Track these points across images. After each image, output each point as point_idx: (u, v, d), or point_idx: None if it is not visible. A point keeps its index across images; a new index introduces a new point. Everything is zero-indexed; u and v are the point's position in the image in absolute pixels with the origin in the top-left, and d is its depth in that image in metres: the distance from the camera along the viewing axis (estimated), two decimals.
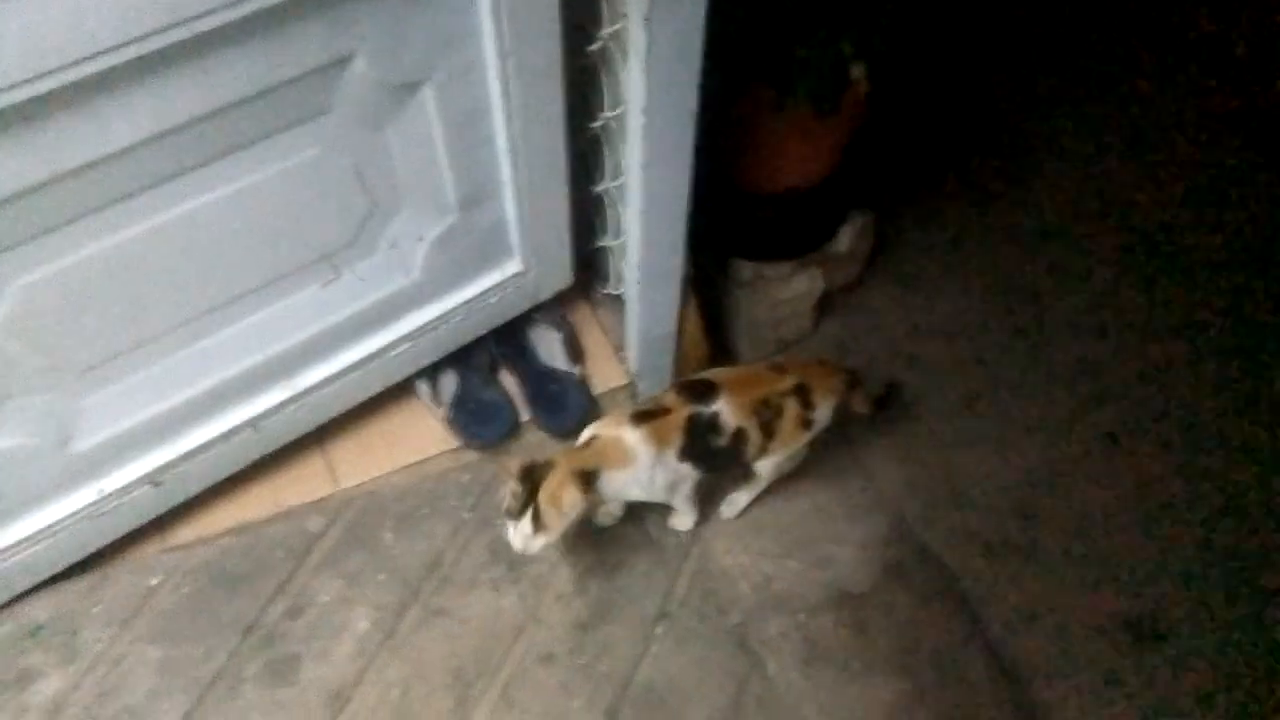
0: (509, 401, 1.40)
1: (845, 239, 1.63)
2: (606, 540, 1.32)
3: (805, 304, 1.65)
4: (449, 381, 1.39)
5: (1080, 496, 1.54)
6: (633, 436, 1.13)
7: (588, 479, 1.10)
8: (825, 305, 1.71)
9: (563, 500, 1.07)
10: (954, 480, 1.56)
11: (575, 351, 1.43)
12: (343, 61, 0.93)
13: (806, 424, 1.23)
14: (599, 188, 1.31)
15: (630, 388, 1.44)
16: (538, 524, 1.08)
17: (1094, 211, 1.93)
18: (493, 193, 1.19)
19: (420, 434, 1.38)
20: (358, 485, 1.33)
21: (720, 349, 1.58)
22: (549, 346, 1.42)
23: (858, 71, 1.30)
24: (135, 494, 1.14)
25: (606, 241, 1.37)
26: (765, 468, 1.29)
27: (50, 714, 1.12)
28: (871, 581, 1.39)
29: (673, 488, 1.23)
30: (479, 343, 1.38)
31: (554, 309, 1.45)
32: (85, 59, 0.74)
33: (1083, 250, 1.86)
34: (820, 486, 1.47)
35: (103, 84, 0.78)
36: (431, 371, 1.38)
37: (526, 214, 1.22)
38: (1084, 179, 1.98)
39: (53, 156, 0.81)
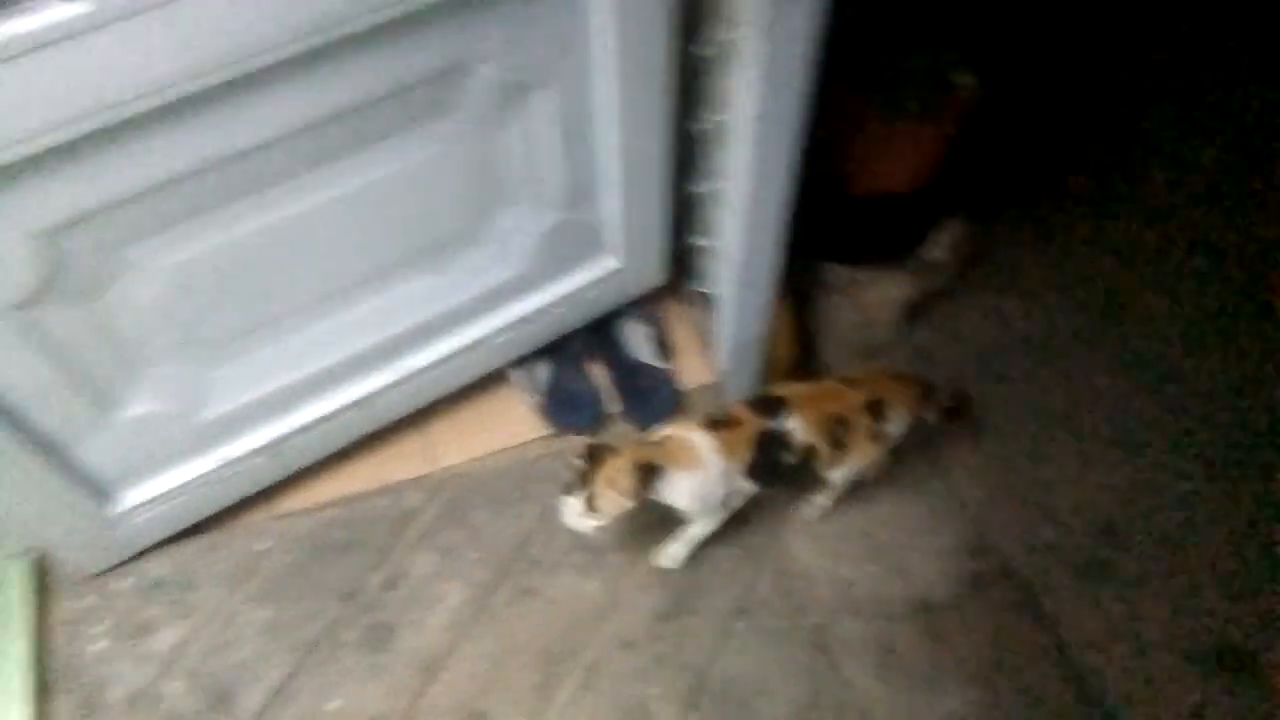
0: (599, 392, 1.43)
1: (939, 246, 1.62)
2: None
3: (894, 310, 1.64)
4: (543, 370, 1.43)
5: (1168, 519, 1.50)
6: (705, 443, 1.13)
7: (649, 473, 1.09)
8: (915, 312, 1.70)
9: (618, 486, 1.07)
10: (1039, 495, 1.54)
11: (664, 348, 1.46)
12: (469, 64, 0.97)
13: (878, 437, 1.23)
14: (696, 188, 1.33)
15: (717, 386, 1.47)
16: (591, 505, 1.09)
17: (1201, 228, 1.87)
18: (596, 191, 1.22)
19: (514, 420, 1.43)
20: (454, 465, 1.39)
21: (805, 352, 1.59)
22: (639, 341, 1.45)
23: (965, 80, 1.29)
24: (252, 463, 1.21)
25: (700, 241, 1.40)
26: (838, 477, 1.29)
27: (167, 663, 1.20)
28: (951, 592, 1.39)
29: (724, 503, 1.21)
30: (573, 335, 1.42)
31: (645, 305, 1.48)
32: (248, 58, 0.80)
33: (1187, 268, 1.81)
34: (903, 495, 1.47)
35: (257, 80, 0.83)
36: (527, 360, 1.42)
37: (626, 213, 1.25)
38: (1191, 195, 1.92)
39: (207, 145, 0.87)
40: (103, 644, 1.21)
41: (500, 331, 1.30)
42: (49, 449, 1.03)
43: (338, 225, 1.03)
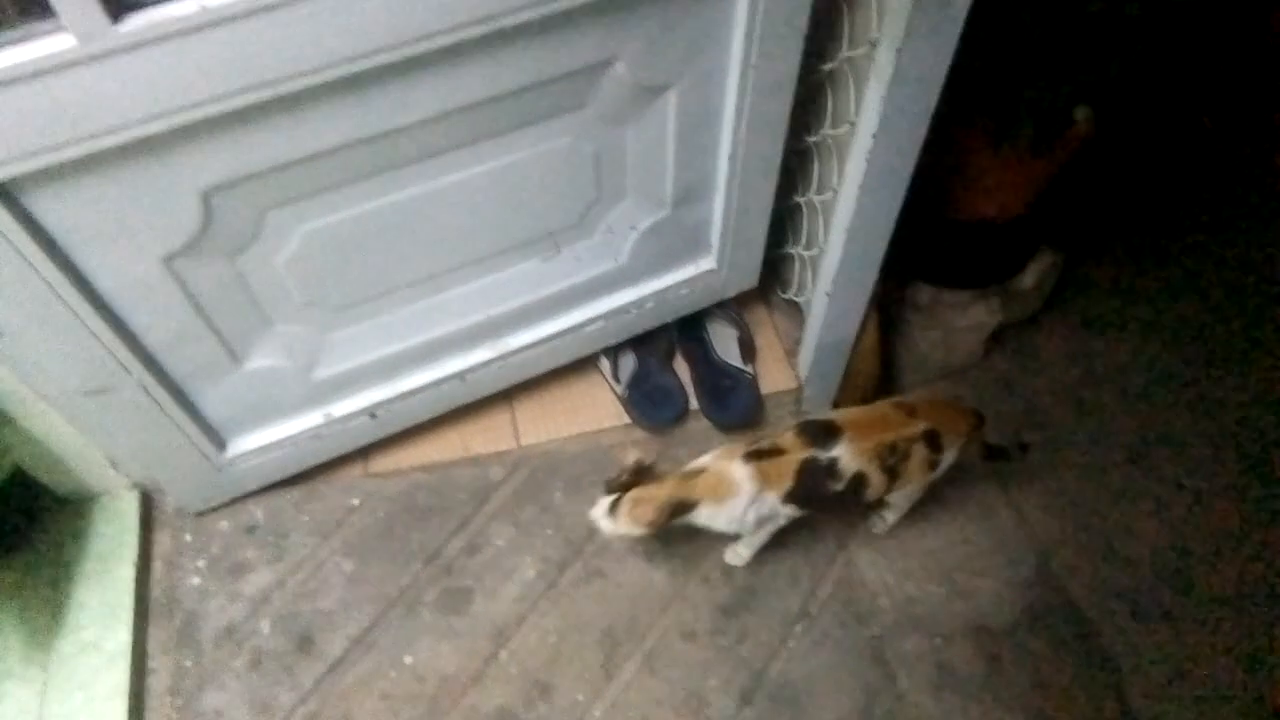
0: (682, 389, 1.47)
1: (1031, 275, 1.62)
2: None
3: (979, 335, 1.65)
4: (628, 362, 1.47)
5: (1238, 571, 1.48)
6: (741, 472, 1.14)
7: (677, 510, 1.13)
8: (997, 338, 1.71)
9: (640, 514, 1.12)
10: (1107, 534, 1.53)
11: (749, 350, 1.49)
12: (607, 63, 1.01)
13: (933, 465, 1.22)
14: (800, 198, 1.36)
15: (798, 392, 1.49)
16: (613, 513, 1.14)
17: None
18: (705, 193, 1.25)
19: (596, 406, 1.47)
20: (536, 444, 1.44)
21: (885, 369, 1.60)
22: (725, 343, 1.48)
23: (1082, 114, 1.29)
24: (353, 423, 1.28)
25: (795, 249, 1.42)
26: (898, 499, 1.30)
27: (257, 603, 1.27)
28: (1011, 620, 1.40)
29: (762, 524, 1.23)
30: (662, 330, 1.46)
31: (733, 307, 1.51)
32: (411, 43, 0.85)
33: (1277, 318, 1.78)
34: (971, 519, 1.48)
35: (415, 65, 0.88)
36: (615, 350, 1.47)
37: (731, 216, 1.28)
38: None
39: (361, 123, 0.92)
40: (198, 579, 1.29)
41: (595, 320, 1.34)
42: (178, 393, 1.11)
43: (462, 206, 1.08)
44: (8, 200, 0.82)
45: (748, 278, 1.42)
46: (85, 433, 1.13)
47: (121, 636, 1.19)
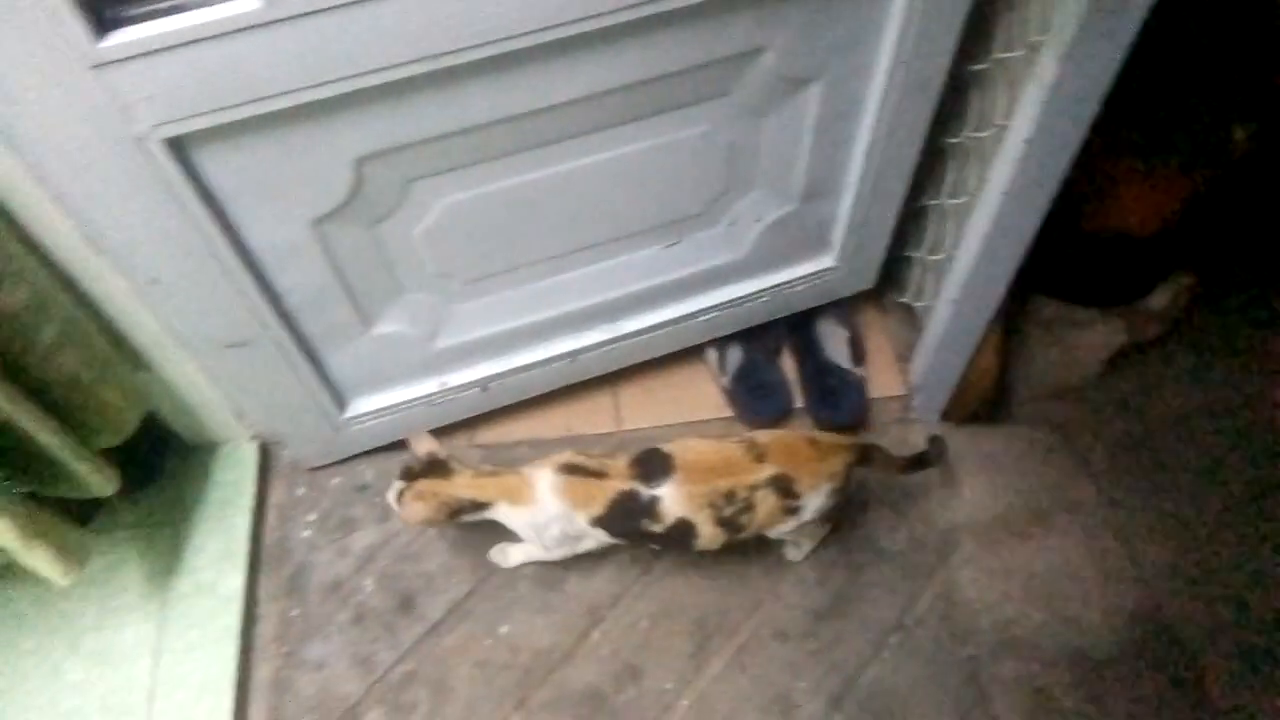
0: (787, 386, 1.45)
1: (1162, 296, 1.55)
2: (856, 539, 1.36)
3: (1098, 354, 1.58)
4: (735, 355, 1.46)
5: None
6: (548, 485, 1.09)
7: (464, 508, 1.10)
8: (1117, 360, 1.63)
9: (414, 509, 1.09)
10: (1223, 575, 1.46)
11: (859, 352, 1.46)
12: (756, 52, 0.99)
13: (792, 511, 1.11)
14: (930, 201, 1.32)
15: (906, 399, 1.46)
16: (399, 499, 1.11)
17: None
18: (834, 189, 1.23)
19: (699, 397, 1.47)
20: (637, 429, 1.44)
21: (1000, 382, 1.55)
22: (835, 343, 1.46)
23: (1241, 132, 1.22)
24: (465, 394, 1.30)
25: (917, 253, 1.39)
26: (783, 535, 1.19)
27: (363, 560, 1.31)
28: (1113, 652, 1.34)
29: (566, 542, 1.16)
30: (771, 325, 1.44)
31: (844, 307, 1.48)
32: (571, 22, 0.85)
33: None
34: (1076, 545, 1.43)
35: (568, 45, 0.89)
36: (722, 342, 1.46)
37: (857, 215, 1.26)
38: None
39: (508, 101, 0.93)
40: (309, 533, 1.33)
41: (708, 310, 1.33)
42: (309, 351, 1.14)
43: (595, 188, 1.09)
44: (179, 154, 0.85)
45: (865, 278, 1.40)
46: (218, 383, 1.18)
47: (235, 581, 1.25)
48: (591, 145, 1.03)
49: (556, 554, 1.21)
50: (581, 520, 1.10)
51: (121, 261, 0.95)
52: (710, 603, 1.30)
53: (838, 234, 1.30)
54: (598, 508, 1.08)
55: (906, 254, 1.43)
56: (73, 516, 1.07)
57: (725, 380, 1.45)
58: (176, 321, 1.03)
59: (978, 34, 1.08)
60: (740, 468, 1.07)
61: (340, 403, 1.25)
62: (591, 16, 0.85)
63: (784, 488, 1.07)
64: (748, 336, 1.46)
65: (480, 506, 1.12)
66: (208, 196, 0.90)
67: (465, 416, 1.36)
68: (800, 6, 0.95)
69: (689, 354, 1.47)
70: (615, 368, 1.39)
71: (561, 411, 1.45)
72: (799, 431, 1.13)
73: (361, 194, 0.97)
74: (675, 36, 0.92)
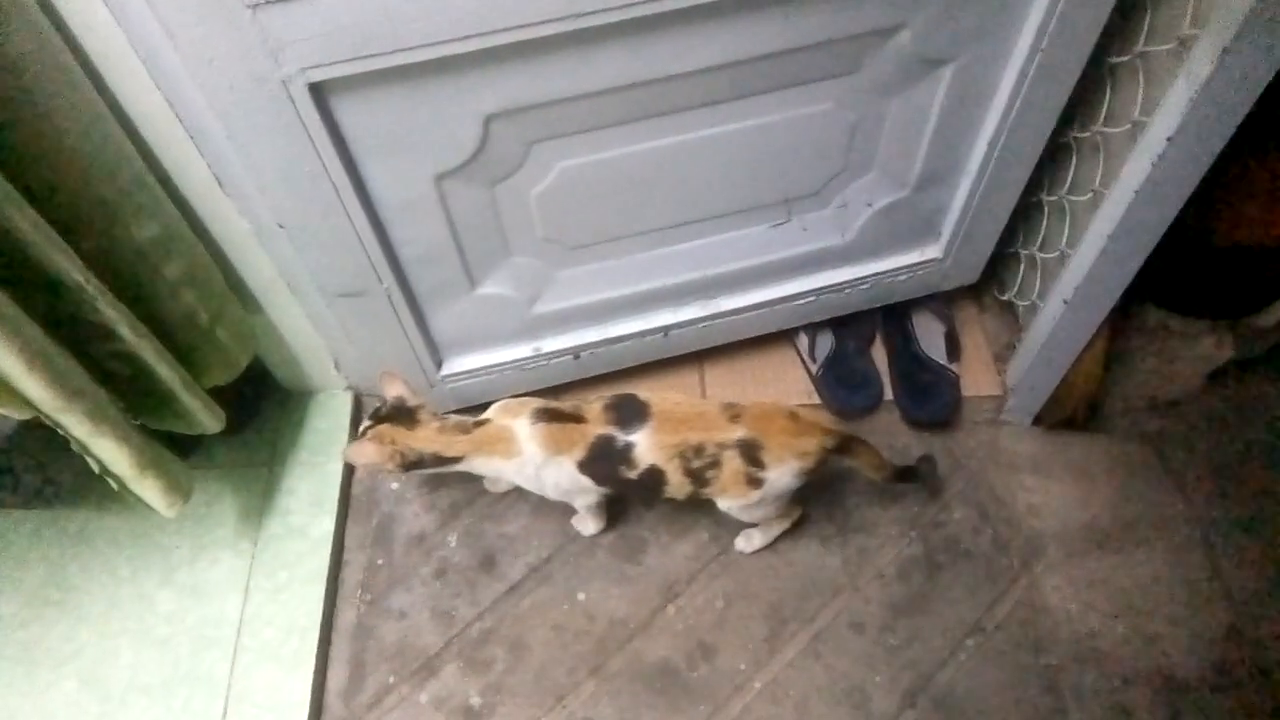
0: (878, 377, 1.43)
1: (1272, 314, 1.48)
2: (939, 539, 1.34)
3: (1200, 369, 1.52)
4: (826, 341, 1.44)
5: None
6: (526, 433, 1.08)
7: (423, 462, 1.08)
8: (1218, 375, 1.57)
9: (364, 450, 1.06)
10: None
11: (954, 348, 1.43)
12: (892, 30, 0.97)
13: (755, 482, 1.08)
14: (1045, 196, 1.28)
15: (1001, 400, 1.42)
16: (360, 441, 1.08)
17: None
18: (950, 178, 1.20)
19: (786, 381, 1.45)
20: None
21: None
22: (931, 337, 1.43)
23: None
24: (558, 361, 1.30)
25: (1026, 250, 1.35)
26: (732, 511, 1.17)
27: (447, 516, 1.33)
28: (1197, 675, 1.30)
29: (570, 494, 1.16)
30: (866, 314, 1.42)
31: (943, 301, 1.45)
32: None
33: None
34: (1165, 562, 1.38)
35: (706, 12, 0.87)
36: (814, 328, 1.44)
37: (971, 205, 1.23)
38: None
39: (640, 66, 0.92)
40: (396, 485, 1.36)
41: (807, 294, 1.32)
42: (415, 307, 1.15)
43: (713, 161, 1.07)
44: (319, 100, 0.86)
45: (970, 272, 1.36)
46: (323, 332, 1.20)
47: (325, 526, 1.27)
48: (715, 116, 1.02)
49: (580, 505, 1.22)
50: (570, 466, 1.09)
51: (250, 204, 0.97)
52: (787, 588, 1.29)
53: (947, 225, 1.27)
54: (579, 452, 1.08)
55: (1013, 250, 1.39)
56: (177, 451, 1.10)
57: (814, 367, 1.43)
58: (296, 267, 1.05)
59: (1121, 25, 1.04)
60: (713, 425, 1.07)
61: (437, 360, 1.26)
62: None
63: (751, 454, 1.06)
64: (840, 324, 1.44)
65: (445, 461, 1.10)
66: (341, 145, 0.91)
67: (554, 383, 1.36)
68: None
69: (778, 337, 1.45)
70: (706, 345, 1.38)
71: (646, 385, 1.44)
72: (783, 404, 1.10)
73: (485, 152, 0.97)
74: (817, 8, 0.91)
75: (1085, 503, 1.41)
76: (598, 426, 1.08)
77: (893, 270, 1.32)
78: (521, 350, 1.28)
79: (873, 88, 1.04)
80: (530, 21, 0.82)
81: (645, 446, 1.06)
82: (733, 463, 1.07)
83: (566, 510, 1.32)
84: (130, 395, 1.03)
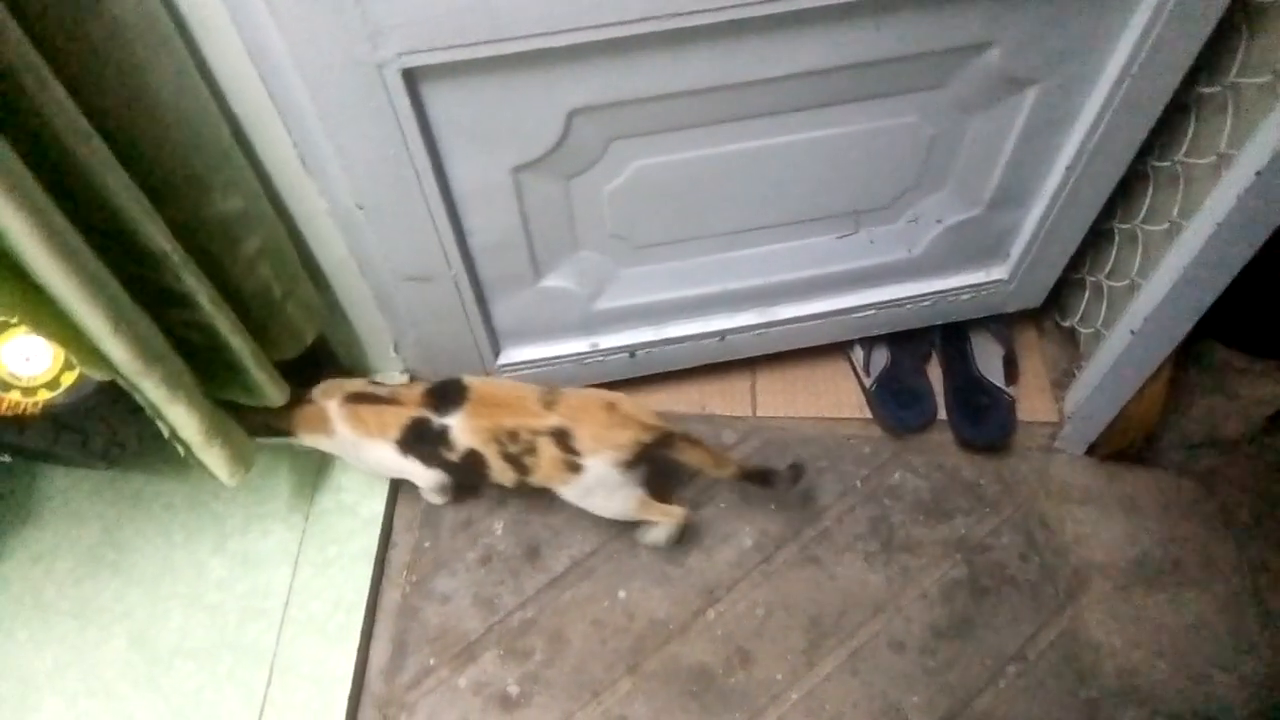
0: (932, 395, 1.42)
1: None
2: (985, 563, 1.32)
3: (1263, 409, 1.49)
4: (881, 356, 1.43)
5: None
6: (336, 413, 1.13)
7: (269, 432, 1.14)
8: (1278, 416, 1.54)
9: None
10: None
11: (1013, 372, 1.41)
12: (983, 46, 0.96)
13: (574, 468, 1.09)
14: (1118, 224, 1.26)
15: (1056, 427, 1.41)
16: None
17: None
18: (1025, 199, 1.19)
19: (839, 394, 1.45)
20: (772, 418, 1.43)
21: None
22: (989, 359, 1.41)
23: None
24: (613, 358, 1.31)
25: (1093, 276, 1.33)
26: (577, 503, 1.17)
27: (494, 504, 1.35)
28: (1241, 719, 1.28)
29: (402, 474, 1.19)
30: (922, 331, 1.41)
31: (1003, 324, 1.43)
32: None
33: None
34: (1213, 605, 1.36)
35: (798, 19, 0.87)
36: (869, 342, 1.43)
37: (1042, 229, 1.21)
38: None
39: (726, 69, 0.93)
40: None
41: (867, 308, 1.31)
42: (479, 295, 1.17)
43: (786, 167, 1.07)
44: (410, 86, 0.87)
45: (1034, 296, 1.35)
46: (387, 314, 1.21)
47: (376, 506, 1.29)
48: (794, 124, 1.01)
49: (420, 485, 1.24)
50: (387, 449, 1.12)
51: (329, 184, 0.99)
52: (828, 601, 1.29)
53: (1016, 247, 1.26)
54: (393, 433, 1.11)
55: (1079, 276, 1.37)
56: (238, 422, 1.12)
57: (868, 381, 1.42)
58: (368, 249, 1.06)
59: (1214, 54, 1.02)
60: (528, 411, 1.08)
61: (496, 349, 1.27)
62: None
63: (564, 442, 1.07)
64: (896, 339, 1.43)
65: (279, 432, 1.16)
66: (426, 131, 0.92)
67: (608, 380, 1.36)
68: (1041, 4, 0.91)
69: (833, 349, 1.45)
70: (761, 352, 1.37)
71: (698, 389, 1.44)
72: (606, 393, 1.11)
73: (564, 146, 0.98)
74: (908, 20, 0.90)
75: (1135, 537, 1.39)
76: (413, 409, 1.11)
77: (956, 289, 1.31)
78: (579, 345, 1.29)
79: (956, 104, 1.03)
80: (626, 19, 0.83)
81: (460, 429, 1.09)
82: (549, 450, 1.08)
83: None
84: (201, 365, 1.05)
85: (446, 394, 1.11)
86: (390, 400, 1.13)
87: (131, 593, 1.24)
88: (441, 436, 1.10)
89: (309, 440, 1.17)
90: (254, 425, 1.12)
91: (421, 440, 1.11)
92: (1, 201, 0.70)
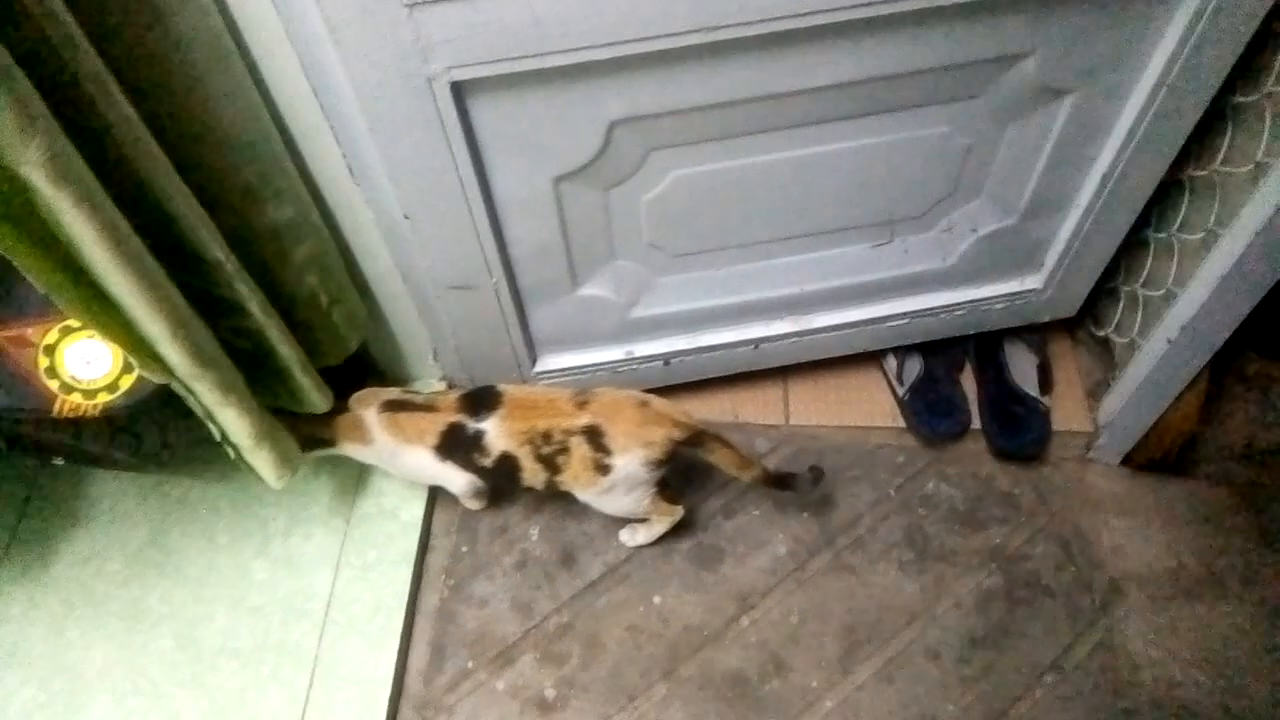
0: (966, 404, 1.42)
1: None
2: (1022, 573, 1.32)
3: None
4: (915, 365, 1.44)
5: None
6: (374, 422, 1.15)
7: (314, 445, 1.17)
8: None
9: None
10: None
11: (1047, 381, 1.41)
12: (1019, 57, 0.97)
13: (602, 469, 1.10)
14: (1153, 233, 1.26)
15: (1091, 437, 1.40)
16: None
17: None
18: (1060, 209, 1.19)
19: (872, 403, 1.45)
20: (804, 426, 1.44)
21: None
22: (1023, 369, 1.41)
23: None
24: (647, 366, 1.33)
25: (1128, 286, 1.33)
26: (592, 503, 1.19)
27: (530, 510, 1.37)
28: None
29: (438, 480, 1.21)
30: (957, 340, 1.41)
31: (1037, 334, 1.44)
32: (846, 7, 0.85)
33: None
34: (1250, 616, 1.34)
35: (835, 31, 0.89)
36: (903, 351, 1.43)
37: (1077, 239, 1.22)
38: None
39: (765, 80, 0.94)
40: None
41: (901, 317, 1.32)
42: (518, 304, 1.19)
43: (823, 177, 1.09)
44: (458, 98, 0.90)
45: (1068, 306, 1.35)
46: (428, 322, 1.24)
47: (415, 510, 1.31)
48: (832, 133, 1.03)
49: (455, 491, 1.24)
50: (425, 455, 1.14)
51: (376, 194, 1.02)
52: (864, 610, 1.29)
53: (1051, 256, 1.26)
54: (431, 440, 1.13)
55: (1113, 286, 1.37)
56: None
57: (902, 390, 1.43)
58: (412, 258, 1.09)
59: (1250, 63, 1.02)
60: (561, 411, 1.11)
61: (533, 357, 1.29)
62: (873, 3, 0.85)
63: (596, 440, 1.09)
64: (930, 349, 1.43)
65: (323, 443, 1.18)
66: (472, 142, 0.95)
67: (641, 388, 1.37)
68: (1078, 13, 0.92)
69: (866, 358, 1.45)
70: (794, 361, 1.39)
71: (730, 397, 1.46)
72: (637, 393, 1.14)
73: (605, 157, 1.00)
74: (945, 32, 0.92)
75: (1171, 548, 1.38)
76: (449, 415, 1.13)
77: (990, 298, 1.31)
78: (614, 353, 1.31)
79: (991, 114, 1.04)
80: (670, 31, 0.85)
81: (496, 433, 1.11)
82: (580, 449, 1.10)
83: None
84: (249, 371, 1.07)
85: (481, 400, 1.14)
86: (427, 407, 1.15)
87: (177, 594, 1.27)
88: (477, 441, 1.12)
89: (349, 450, 1.20)
90: (300, 439, 1.15)
91: (458, 445, 1.13)
92: (73, 210, 0.73)
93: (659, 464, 1.12)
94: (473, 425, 1.12)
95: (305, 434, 1.16)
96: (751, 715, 1.20)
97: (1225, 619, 1.34)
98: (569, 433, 1.10)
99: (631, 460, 1.10)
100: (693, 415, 1.15)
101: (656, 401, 1.13)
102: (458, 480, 1.20)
